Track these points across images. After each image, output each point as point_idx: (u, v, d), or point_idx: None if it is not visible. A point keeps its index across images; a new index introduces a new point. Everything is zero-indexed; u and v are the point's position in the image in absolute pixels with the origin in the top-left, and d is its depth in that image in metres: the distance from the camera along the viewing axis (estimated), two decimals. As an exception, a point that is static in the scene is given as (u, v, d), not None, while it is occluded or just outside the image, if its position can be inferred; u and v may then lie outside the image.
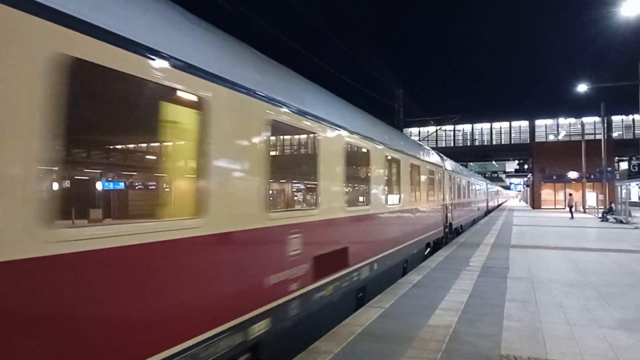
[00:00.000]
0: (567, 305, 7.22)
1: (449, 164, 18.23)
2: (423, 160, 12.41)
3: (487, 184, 43.63)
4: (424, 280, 9.33)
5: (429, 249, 13.48)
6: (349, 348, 5.23)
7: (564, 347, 5.27)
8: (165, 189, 4.15)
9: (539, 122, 65.73)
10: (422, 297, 7.82)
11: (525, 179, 71.97)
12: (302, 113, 5.44)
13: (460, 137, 70.03)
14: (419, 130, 65.90)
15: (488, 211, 40.76)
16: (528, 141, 63.00)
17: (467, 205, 23.75)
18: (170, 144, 3.95)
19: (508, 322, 6.26)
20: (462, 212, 21.51)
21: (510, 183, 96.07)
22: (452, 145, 68.61)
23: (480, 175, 43.41)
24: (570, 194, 37.93)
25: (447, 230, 16.38)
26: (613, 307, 7.14)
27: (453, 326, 6.08)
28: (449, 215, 16.89)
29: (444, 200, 15.74)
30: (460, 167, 23.83)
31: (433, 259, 12.16)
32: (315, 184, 5.90)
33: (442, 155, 17.99)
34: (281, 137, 6.12)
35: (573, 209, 34.44)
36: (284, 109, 5.02)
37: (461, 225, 20.79)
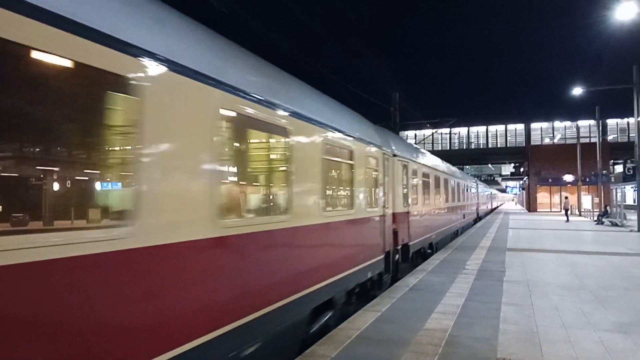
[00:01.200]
0: (563, 309, 7.23)
1: (407, 150, 12.27)
2: (324, 127, 6.41)
3: (477, 184, 37.19)
4: (420, 283, 9.33)
5: (330, 313, 6.59)
6: (346, 352, 5.22)
7: (560, 351, 5.28)
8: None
9: (535, 125, 65.96)
10: (418, 300, 7.82)
11: (521, 182, 72.24)
12: None
13: (457, 141, 70.20)
14: (415, 134, 66.10)
15: (478, 218, 35.59)
16: (524, 144, 63.26)
17: (442, 213, 17.26)
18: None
19: (504, 326, 6.26)
20: (434, 224, 15.23)
21: (506, 186, 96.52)
22: (448, 148, 68.82)
23: (473, 178, 41.89)
24: (566, 197, 38.08)
25: (397, 257, 10.28)
26: (609, 310, 7.15)
27: (449, 330, 6.08)
28: (403, 231, 10.69)
29: (387, 207, 9.62)
30: (435, 157, 17.59)
31: (430, 262, 12.14)
32: None
33: (397, 135, 13.56)
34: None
35: (569, 212, 34.59)
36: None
37: (431, 244, 14.45)
